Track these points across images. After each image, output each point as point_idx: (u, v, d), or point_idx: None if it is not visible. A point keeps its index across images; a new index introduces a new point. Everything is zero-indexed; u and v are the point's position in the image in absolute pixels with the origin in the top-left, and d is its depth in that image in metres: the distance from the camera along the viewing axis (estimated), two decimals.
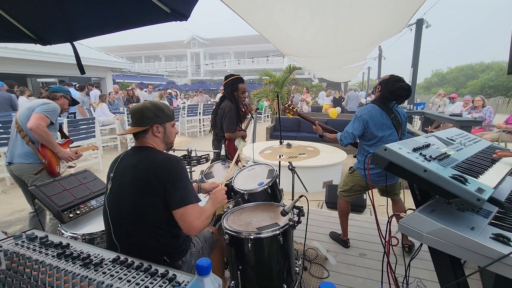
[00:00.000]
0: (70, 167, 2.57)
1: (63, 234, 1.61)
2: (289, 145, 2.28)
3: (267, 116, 13.46)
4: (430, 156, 1.02)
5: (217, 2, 2.35)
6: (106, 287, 0.79)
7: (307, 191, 2.22)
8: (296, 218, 1.48)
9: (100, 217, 1.44)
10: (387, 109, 2.14)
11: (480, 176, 1.00)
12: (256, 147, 5.52)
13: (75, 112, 6.56)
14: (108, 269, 0.89)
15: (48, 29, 1.89)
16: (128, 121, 6.95)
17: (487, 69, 26.89)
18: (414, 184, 1.13)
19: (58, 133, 2.53)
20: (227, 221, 1.61)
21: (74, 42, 1.97)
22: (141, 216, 1.20)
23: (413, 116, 8.29)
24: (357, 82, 30.12)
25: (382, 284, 1.40)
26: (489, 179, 0.99)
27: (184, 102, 11.45)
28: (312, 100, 13.34)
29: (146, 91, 9.99)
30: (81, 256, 0.95)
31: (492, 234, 0.84)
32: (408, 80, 7.11)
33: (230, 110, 2.67)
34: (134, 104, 9.81)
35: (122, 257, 0.95)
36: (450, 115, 5.78)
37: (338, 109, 10.27)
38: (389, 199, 2.34)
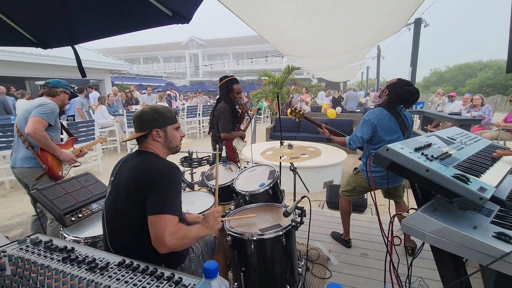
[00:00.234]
0: (74, 166, 2.54)
1: (65, 237, 1.61)
2: (290, 146, 2.29)
3: (267, 116, 13.47)
4: (432, 156, 1.03)
5: (215, 2, 2.36)
6: None
7: (308, 192, 2.23)
8: (298, 219, 1.49)
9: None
10: (395, 113, 2.13)
11: (481, 175, 1.01)
12: (257, 148, 5.53)
13: (74, 115, 6.56)
14: (114, 273, 0.89)
15: (49, 32, 1.89)
16: (127, 123, 6.95)
17: (485, 68, 26.96)
18: (416, 183, 1.14)
19: (64, 131, 2.49)
20: (229, 222, 1.61)
21: (75, 46, 1.97)
22: (133, 221, 1.16)
23: (412, 115, 8.30)
24: (356, 81, 30.21)
25: (385, 283, 1.41)
26: (490, 178, 1.00)
27: (184, 104, 11.45)
28: (311, 100, 13.35)
29: (145, 93, 9.99)
30: (86, 260, 0.95)
31: (494, 232, 0.85)
32: (407, 79, 7.13)
33: (225, 110, 2.72)
34: (135, 106, 9.74)
35: (128, 261, 0.95)
36: (449, 113, 5.80)
37: (338, 109, 10.28)
38: (391, 200, 2.34)
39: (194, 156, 2.57)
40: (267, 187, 1.89)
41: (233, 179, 2.08)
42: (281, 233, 1.45)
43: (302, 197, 1.54)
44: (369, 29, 3.68)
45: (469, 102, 6.49)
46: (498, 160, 1.24)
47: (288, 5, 2.77)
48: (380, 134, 2.11)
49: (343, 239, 2.52)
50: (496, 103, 12.72)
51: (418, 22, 6.44)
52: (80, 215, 1.74)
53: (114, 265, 0.94)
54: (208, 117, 3.56)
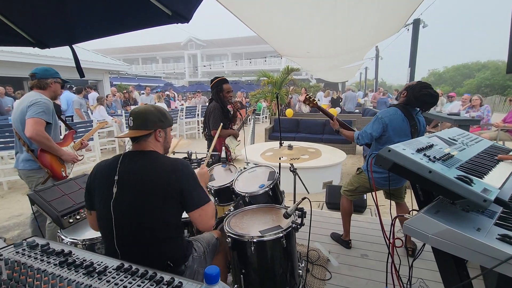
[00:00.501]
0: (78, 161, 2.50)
1: (63, 239, 1.59)
2: (290, 147, 2.28)
3: (266, 117, 13.47)
4: (434, 157, 1.02)
5: (214, 3, 2.35)
6: None
7: (308, 193, 2.22)
8: (298, 221, 1.47)
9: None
10: (409, 115, 2.09)
11: (485, 176, 1.00)
12: (256, 148, 5.52)
13: (73, 115, 6.53)
14: (112, 277, 0.87)
15: (46, 32, 1.88)
16: (126, 123, 6.92)
17: (483, 68, 27.08)
18: (418, 184, 1.13)
19: (62, 123, 2.41)
20: (229, 224, 1.60)
21: (73, 45, 1.95)
22: (148, 222, 1.18)
23: None
24: (354, 82, 30.21)
25: (387, 285, 1.40)
26: (494, 179, 0.99)
27: (182, 104, 11.43)
28: None
29: (144, 94, 9.96)
30: (84, 264, 0.93)
31: (498, 235, 0.84)
32: (406, 80, 7.14)
33: (214, 109, 2.85)
34: (134, 106, 9.74)
35: (126, 265, 0.94)
36: (448, 114, 5.81)
37: (338, 109, 10.30)
38: (392, 201, 2.33)
39: (193, 157, 2.55)
40: (267, 188, 1.88)
41: (233, 180, 2.06)
42: (281, 235, 1.44)
43: (303, 199, 1.53)
44: (368, 29, 3.68)
45: (468, 103, 6.50)
46: (501, 161, 1.23)
47: (288, 6, 2.76)
48: (389, 134, 2.08)
49: (343, 240, 2.51)
50: (495, 104, 12.79)
51: (416, 23, 6.46)
52: (78, 217, 1.72)
53: (113, 269, 0.92)
54: None
